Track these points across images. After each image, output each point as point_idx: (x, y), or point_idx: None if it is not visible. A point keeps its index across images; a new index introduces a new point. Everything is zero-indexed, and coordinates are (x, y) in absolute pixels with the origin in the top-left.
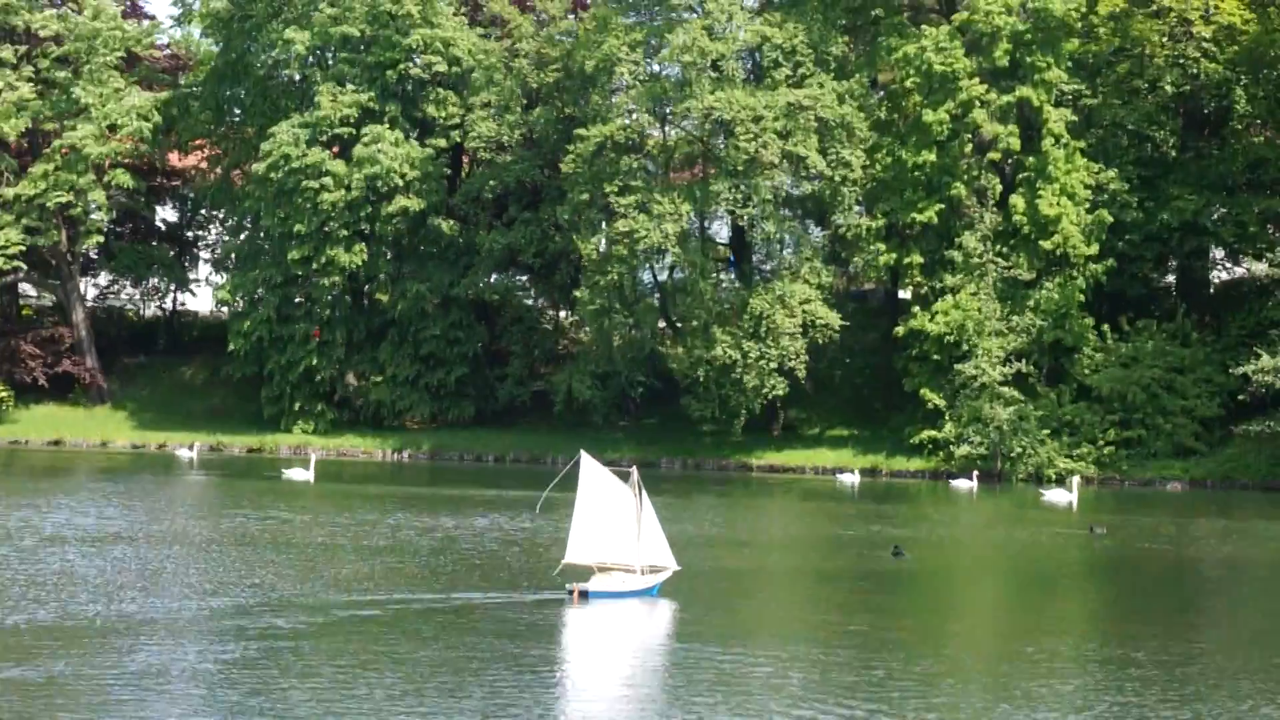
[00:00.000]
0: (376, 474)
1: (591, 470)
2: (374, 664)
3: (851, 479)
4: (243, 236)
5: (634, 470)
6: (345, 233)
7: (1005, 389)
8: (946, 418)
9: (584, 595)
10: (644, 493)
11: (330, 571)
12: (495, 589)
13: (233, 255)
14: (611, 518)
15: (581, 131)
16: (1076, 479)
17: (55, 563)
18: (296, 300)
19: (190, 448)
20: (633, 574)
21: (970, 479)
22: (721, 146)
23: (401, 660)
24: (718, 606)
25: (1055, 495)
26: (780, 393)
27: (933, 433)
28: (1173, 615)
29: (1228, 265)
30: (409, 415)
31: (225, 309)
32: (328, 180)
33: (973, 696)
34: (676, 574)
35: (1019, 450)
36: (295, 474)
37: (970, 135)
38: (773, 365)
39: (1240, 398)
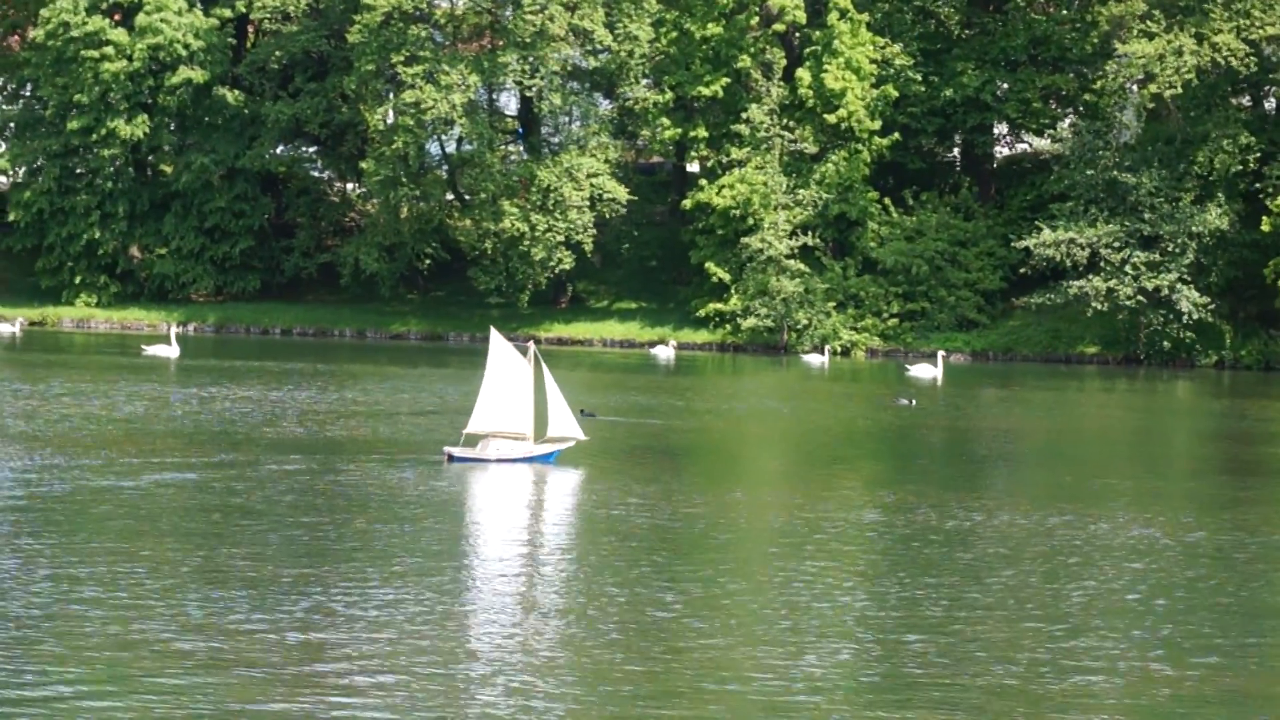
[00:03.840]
0: (238, 348)
1: (498, 346)
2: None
3: (666, 353)
4: (21, 105)
5: (531, 345)
6: (127, 104)
7: (791, 262)
8: (733, 290)
9: (450, 458)
10: (544, 366)
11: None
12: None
13: (11, 124)
14: (510, 390)
15: (368, 0)
16: (942, 352)
17: None
18: (78, 171)
19: (13, 322)
20: (523, 441)
21: (822, 353)
22: (509, 18)
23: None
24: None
25: (920, 370)
26: (567, 266)
27: (719, 305)
28: (959, 481)
29: (1010, 140)
30: (194, 288)
31: (4, 179)
32: (109, 50)
33: (755, 559)
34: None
35: (805, 322)
36: (159, 350)
37: (757, 8)
38: (560, 238)
39: (1022, 271)
